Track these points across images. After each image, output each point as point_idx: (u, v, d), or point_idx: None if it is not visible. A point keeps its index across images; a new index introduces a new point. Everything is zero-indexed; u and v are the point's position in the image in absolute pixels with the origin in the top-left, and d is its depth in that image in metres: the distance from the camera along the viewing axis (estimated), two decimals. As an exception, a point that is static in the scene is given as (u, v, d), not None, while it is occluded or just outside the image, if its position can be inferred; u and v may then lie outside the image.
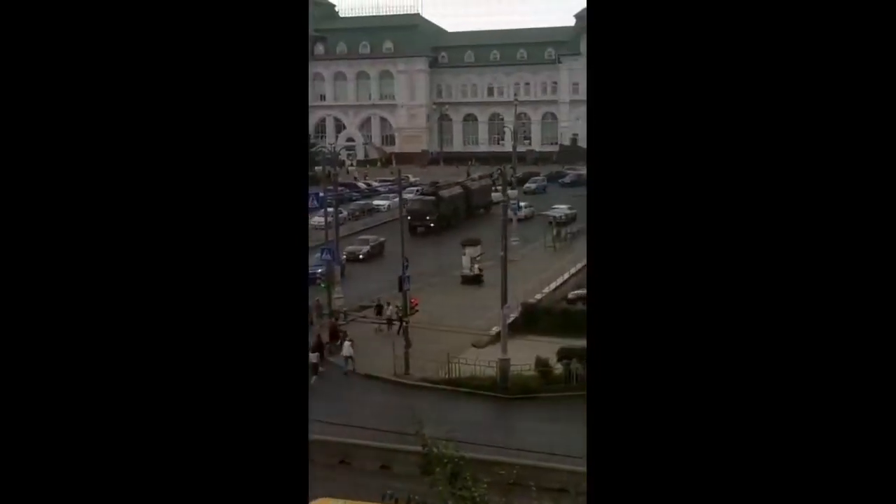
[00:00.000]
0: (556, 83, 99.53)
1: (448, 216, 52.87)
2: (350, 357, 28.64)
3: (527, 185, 70.24)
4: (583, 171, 78.31)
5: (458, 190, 56.41)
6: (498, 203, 57.52)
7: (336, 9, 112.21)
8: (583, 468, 16.63)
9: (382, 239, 46.09)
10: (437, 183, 59.87)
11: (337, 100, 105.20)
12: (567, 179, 72.35)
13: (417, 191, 58.61)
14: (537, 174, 77.73)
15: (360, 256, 44.64)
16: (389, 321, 32.16)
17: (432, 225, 49.74)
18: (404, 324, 29.44)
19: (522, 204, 55.92)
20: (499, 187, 46.13)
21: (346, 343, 29.26)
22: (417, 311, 32.05)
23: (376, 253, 45.41)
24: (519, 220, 49.65)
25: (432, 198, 52.22)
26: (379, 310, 33.72)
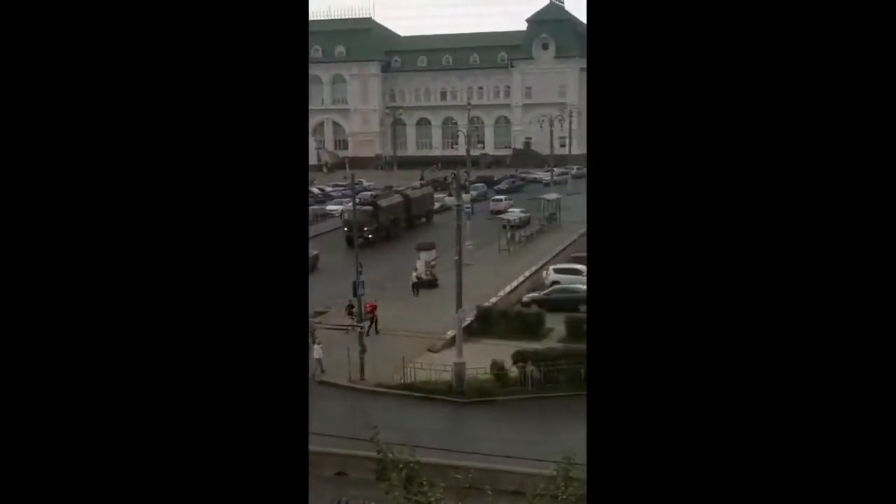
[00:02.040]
0: (508, 87, 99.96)
1: (387, 227, 52.11)
2: (319, 360, 28.16)
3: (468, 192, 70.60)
4: (523, 174, 78.75)
5: (397, 199, 55.47)
6: (441, 211, 57.75)
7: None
8: (537, 469, 16.73)
9: (315, 252, 42.72)
10: (392, 187, 59.49)
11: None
12: (503, 185, 72.30)
13: (371, 195, 58.24)
14: (492, 177, 77.96)
15: None
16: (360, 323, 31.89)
17: (370, 236, 48.38)
18: (359, 329, 29.34)
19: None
20: (452, 191, 46.13)
21: (316, 346, 28.31)
22: (371, 316, 31.91)
23: (311, 267, 43.93)
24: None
25: (370, 208, 51.12)
26: (350, 310, 33.09)
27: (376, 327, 31.95)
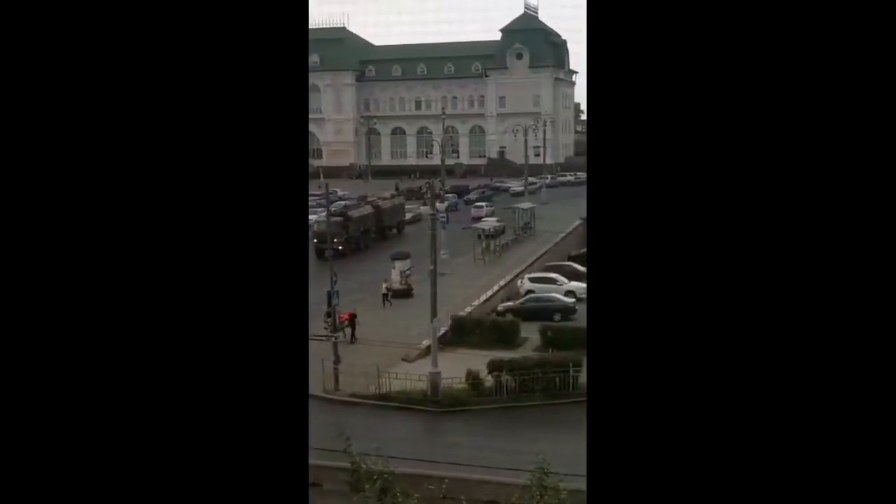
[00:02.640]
0: (483, 97, 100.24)
1: (357, 238, 51.70)
2: None
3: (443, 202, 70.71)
4: (500, 183, 78.92)
5: (368, 210, 55.23)
6: (413, 222, 57.66)
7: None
8: (512, 479, 16.68)
9: None
10: (367, 197, 59.24)
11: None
12: (472, 196, 72.25)
13: (344, 205, 58.02)
14: (467, 186, 78.12)
15: None
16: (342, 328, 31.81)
17: (340, 248, 48.03)
18: (334, 339, 29.22)
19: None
20: (427, 200, 46.06)
21: None
22: (349, 324, 31.80)
23: None
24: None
25: (340, 219, 50.90)
26: (326, 318, 32.93)
27: (354, 335, 32.07)
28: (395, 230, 57.15)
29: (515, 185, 76.02)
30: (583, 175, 75.66)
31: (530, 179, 74.96)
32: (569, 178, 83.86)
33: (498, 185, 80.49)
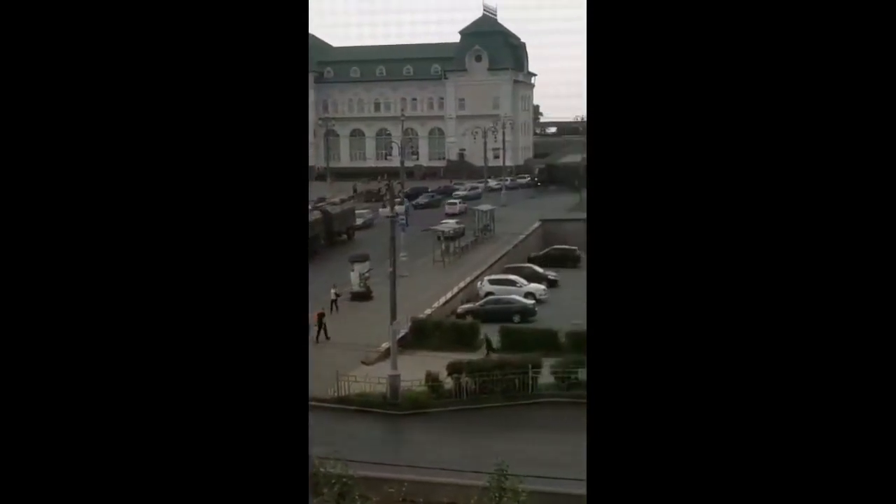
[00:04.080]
0: (442, 99, 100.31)
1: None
2: None
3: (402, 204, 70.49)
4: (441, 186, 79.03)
5: (316, 215, 54.84)
6: (364, 227, 57.47)
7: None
8: (471, 481, 16.74)
9: None
10: (325, 199, 58.89)
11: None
12: (421, 200, 72.16)
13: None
14: (426, 189, 78.13)
15: None
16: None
17: None
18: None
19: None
20: (386, 203, 46.01)
21: None
22: (315, 324, 31.64)
23: None
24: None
25: None
26: None
27: (326, 333, 32.27)
28: (345, 236, 56.63)
29: (461, 190, 75.93)
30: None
31: (473, 184, 75.21)
32: (529, 180, 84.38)
33: (454, 187, 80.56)
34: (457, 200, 65.03)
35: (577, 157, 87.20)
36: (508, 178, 79.63)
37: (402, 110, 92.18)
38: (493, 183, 76.72)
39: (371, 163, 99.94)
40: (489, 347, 30.13)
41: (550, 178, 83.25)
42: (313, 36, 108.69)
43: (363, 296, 38.85)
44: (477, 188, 75.97)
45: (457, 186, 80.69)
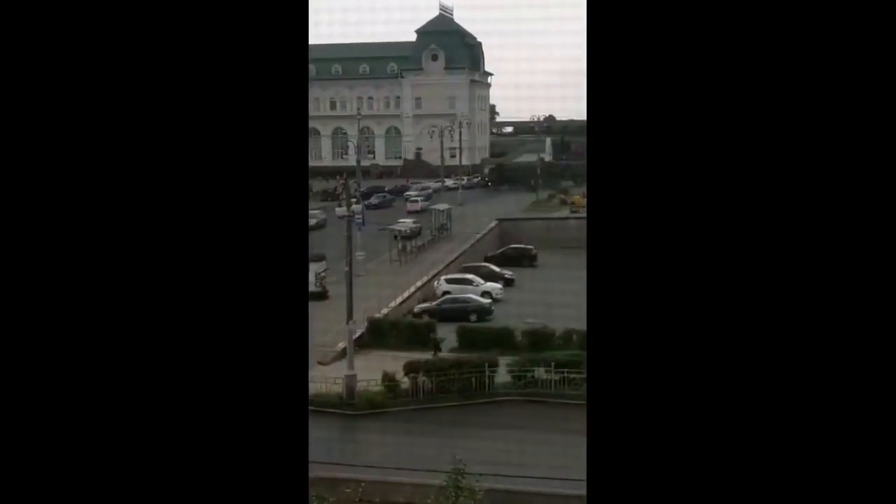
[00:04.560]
0: (399, 98, 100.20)
1: None
2: None
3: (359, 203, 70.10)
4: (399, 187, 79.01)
5: None
6: (316, 228, 57.28)
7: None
8: (428, 481, 16.71)
9: None
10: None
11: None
12: (374, 201, 71.95)
13: None
14: (382, 188, 77.95)
15: None
16: None
17: None
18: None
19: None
20: (342, 202, 45.78)
21: None
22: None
23: None
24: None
25: None
26: None
27: None
28: None
29: (412, 191, 75.76)
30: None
31: (426, 184, 75.30)
32: (479, 180, 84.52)
33: (406, 187, 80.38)
34: (419, 198, 64.90)
35: (532, 157, 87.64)
36: (465, 178, 79.74)
37: (359, 109, 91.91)
38: (449, 182, 76.82)
39: (327, 162, 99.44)
40: (436, 348, 30.08)
41: (500, 178, 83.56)
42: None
43: (319, 295, 38.67)
44: (428, 188, 75.96)
45: (411, 186, 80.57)
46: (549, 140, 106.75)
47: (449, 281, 41.47)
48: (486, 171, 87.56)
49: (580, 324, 31.27)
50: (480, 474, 15.03)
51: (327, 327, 32.62)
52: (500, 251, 52.24)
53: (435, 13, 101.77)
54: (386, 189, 78.19)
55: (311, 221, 58.43)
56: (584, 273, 4.29)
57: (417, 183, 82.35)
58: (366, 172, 79.99)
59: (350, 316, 28.51)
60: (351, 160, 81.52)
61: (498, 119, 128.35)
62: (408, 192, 75.08)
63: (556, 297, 40.22)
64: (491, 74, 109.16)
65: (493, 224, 58.81)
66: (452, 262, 46.68)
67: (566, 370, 26.44)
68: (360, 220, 44.47)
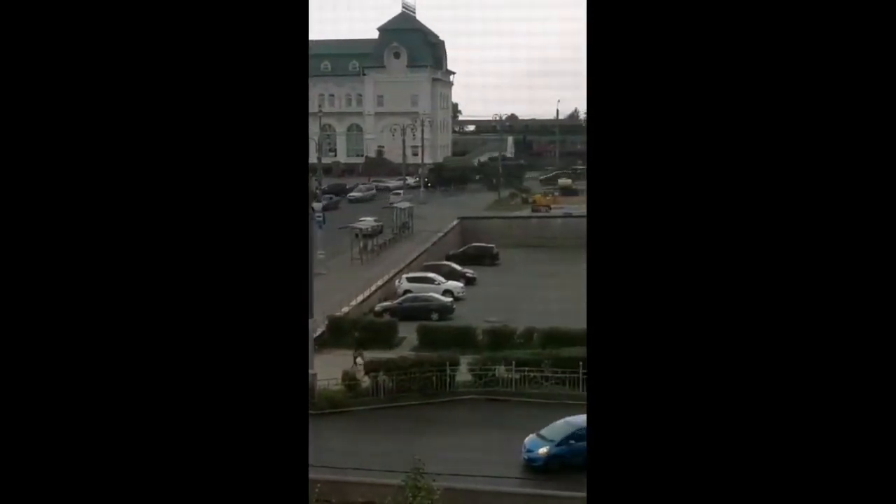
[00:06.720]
0: (360, 95, 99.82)
1: None
2: None
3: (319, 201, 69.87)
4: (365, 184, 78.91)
5: None
6: None
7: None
8: (386, 480, 16.61)
9: None
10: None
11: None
12: (353, 195, 71.45)
13: None
14: (343, 185, 77.57)
15: None
16: None
17: None
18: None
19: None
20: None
21: None
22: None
23: None
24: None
25: None
26: None
27: None
28: None
29: (355, 192, 75.36)
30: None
31: (376, 182, 75.15)
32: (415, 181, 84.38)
33: (376, 185, 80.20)
34: (401, 192, 64.59)
35: (493, 155, 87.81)
36: (411, 179, 79.22)
37: (320, 106, 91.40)
38: (391, 184, 76.67)
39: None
40: (359, 355, 28.75)
41: (438, 179, 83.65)
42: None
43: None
44: (372, 189, 75.85)
45: (352, 185, 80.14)
46: (510, 139, 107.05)
47: (410, 279, 41.37)
48: (426, 172, 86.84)
49: (541, 322, 31.40)
50: (438, 474, 14.97)
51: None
52: (461, 249, 52.26)
53: (397, 11, 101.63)
54: (347, 186, 77.75)
55: None
56: (545, 270, 4.24)
57: (380, 181, 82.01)
58: (327, 170, 79.55)
59: (310, 314, 28.28)
60: (312, 158, 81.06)
61: (460, 117, 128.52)
62: (351, 194, 74.72)
63: (518, 294, 40.38)
64: (453, 73, 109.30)
65: (454, 222, 58.81)
66: (414, 260, 46.59)
67: (526, 369, 26.47)
68: (321, 218, 44.19)
